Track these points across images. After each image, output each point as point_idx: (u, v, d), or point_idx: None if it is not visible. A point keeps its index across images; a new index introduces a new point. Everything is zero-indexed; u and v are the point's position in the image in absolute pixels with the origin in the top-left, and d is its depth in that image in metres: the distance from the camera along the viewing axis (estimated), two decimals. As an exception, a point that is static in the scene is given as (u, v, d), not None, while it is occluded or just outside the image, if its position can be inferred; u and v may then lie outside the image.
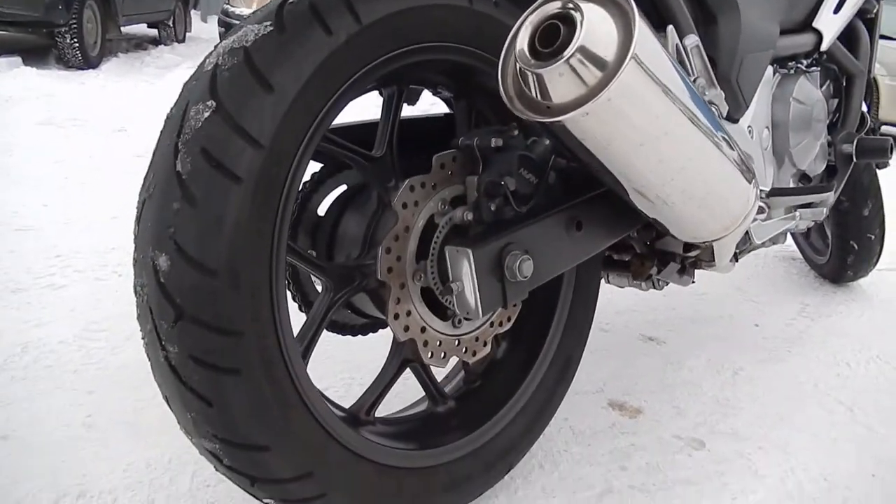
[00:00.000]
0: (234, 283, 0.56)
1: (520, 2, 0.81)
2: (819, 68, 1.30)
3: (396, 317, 0.70)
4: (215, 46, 0.62)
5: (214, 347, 0.56)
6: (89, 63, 4.74)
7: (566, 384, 0.92)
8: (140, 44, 6.45)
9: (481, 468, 0.81)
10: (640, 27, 0.56)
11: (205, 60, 0.61)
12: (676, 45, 0.81)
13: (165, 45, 6.56)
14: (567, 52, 0.54)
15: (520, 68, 0.57)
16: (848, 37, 1.38)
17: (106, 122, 3.11)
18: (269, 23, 0.60)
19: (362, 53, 0.63)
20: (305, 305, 0.81)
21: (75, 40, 4.51)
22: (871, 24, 1.49)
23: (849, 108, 1.40)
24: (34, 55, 4.67)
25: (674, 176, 0.68)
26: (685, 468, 0.97)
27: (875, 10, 1.49)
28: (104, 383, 1.03)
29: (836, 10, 1.26)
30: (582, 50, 0.55)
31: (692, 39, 0.83)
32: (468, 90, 0.80)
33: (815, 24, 1.23)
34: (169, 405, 0.61)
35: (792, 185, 1.22)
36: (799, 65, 1.18)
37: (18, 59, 4.32)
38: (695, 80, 0.80)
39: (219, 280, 0.55)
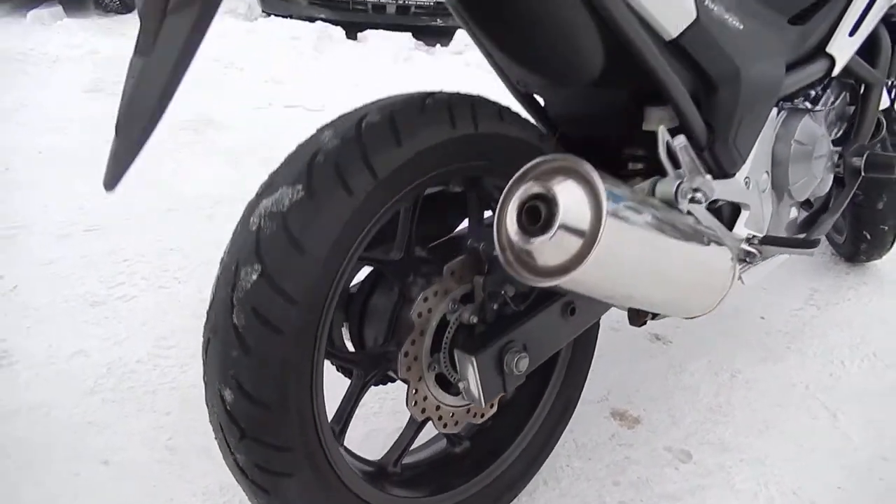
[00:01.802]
0: (283, 412, 0.71)
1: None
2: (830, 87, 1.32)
3: (415, 403, 0.85)
4: (256, 205, 0.74)
5: (271, 459, 0.72)
6: (127, 6, 4.79)
7: (566, 421, 1.07)
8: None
9: (492, 500, 0.98)
10: (607, 195, 0.66)
11: (250, 219, 0.73)
12: (667, 142, 0.89)
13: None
14: (550, 232, 0.65)
15: (507, 235, 0.68)
16: (868, 43, 1.38)
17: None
18: (300, 186, 0.71)
19: (381, 201, 0.75)
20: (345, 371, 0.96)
21: (112, -16, 4.56)
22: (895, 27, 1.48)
23: (863, 119, 1.43)
24: (74, 2, 4.75)
25: (657, 288, 0.79)
26: (671, 482, 1.13)
27: (905, 14, 1.48)
28: (179, 404, 1.22)
29: (852, 33, 1.27)
30: (562, 227, 0.65)
31: (680, 140, 0.90)
32: (478, 185, 0.90)
33: (828, 49, 1.25)
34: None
35: (794, 214, 1.30)
36: (805, 100, 1.22)
37: (60, 9, 4.41)
38: (680, 183, 0.88)
39: (272, 411, 0.71)
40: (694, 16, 0.90)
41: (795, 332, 1.58)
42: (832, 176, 1.37)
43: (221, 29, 4.17)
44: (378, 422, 1.19)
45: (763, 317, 1.63)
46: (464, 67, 4.08)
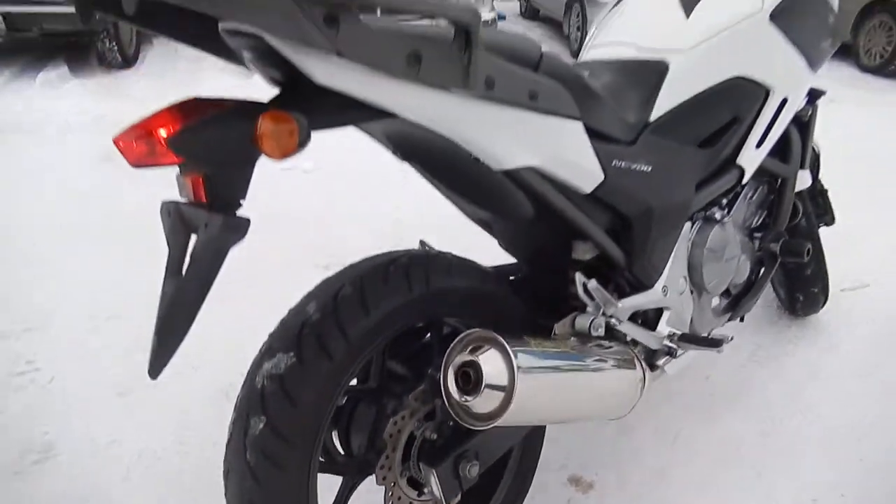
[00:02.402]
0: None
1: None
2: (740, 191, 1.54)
3: (392, 503, 1.07)
4: (260, 366, 0.96)
5: None
6: (127, 61, 5.06)
7: (524, 494, 1.29)
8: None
9: None
10: (516, 355, 0.88)
11: (255, 377, 0.96)
12: (583, 283, 1.12)
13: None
14: (479, 393, 0.87)
15: (447, 389, 0.91)
16: (779, 143, 1.59)
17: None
18: (292, 353, 0.94)
19: (356, 358, 0.97)
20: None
21: (114, 44, 4.82)
22: (805, 127, 1.70)
23: (780, 209, 1.66)
24: (76, 58, 5.02)
25: (574, 411, 1.02)
26: (616, 542, 1.35)
27: (809, 114, 1.71)
28: (203, 486, 1.44)
29: (759, 145, 1.49)
30: (487, 386, 0.88)
31: (592, 283, 1.13)
32: (435, 326, 1.12)
33: (738, 161, 1.46)
34: None
35: (716, 302, 1.52)
36: (715, 211, 1.45)
37: (66, 70, 4.67)
38: (602, 313, 1.11)
39: None
40: (602, 177, 1.12)
41: (736, 391, 1.80)
42: (749, 264, 1.59)
43: (219, 86, 4.42)
44: None
45: (708, 376, 1.85)
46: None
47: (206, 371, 1.82)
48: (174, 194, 0.88)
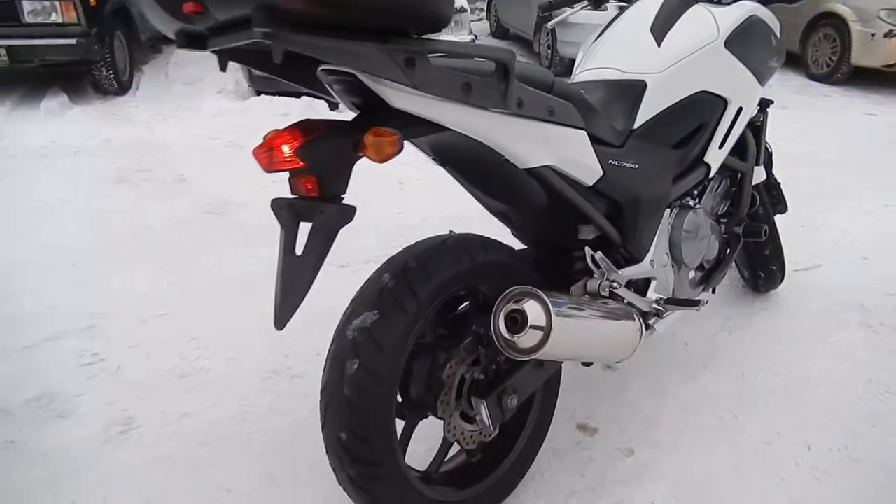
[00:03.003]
0: (376, 443, 1.20)
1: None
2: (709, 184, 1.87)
3: (449, 431, 1.35)
4: (349, 324, 1.23)
5: (371, 472, 1.21)
6: (122, 87, 5.27)
7: (545, 434, 1.57)
8: (154, 45, 6.88)
9: (500, 490, 1.48)
10: (552, 304, 1.17)
11: (346, 332, 1.23)
12: (591, 256, 1.42)
13: (177, 43, 7.01)
14: (524, 332, 1.16)
15: (499, 331, 1.19)
16: (737, 144, 1.93)
17: (165, 169, 3.71)
18: (376, 311, 1.21)
19: (422, 314, 1.25)
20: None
21: (111, 72, 5.04)
22: (758, 130, 2.05)
23: (740, 198, 1.99)
24: (73, 86, 5.21)
25: (592, 350, 1.32)
26: (620, 471, 1.64)
27: (761, 119, 2.05)
28: (269, 447, 1.70)
29: (721, 146, 1.82)
30: (532, 326, 1.16)
31: (599, 254, 1.43)
32: (477, 291, 1.41)
33: (705, 159, 1.79)
34: None
35: (692, 275, 1.84)
36: (691, 198, 1.77)
37: (65, 97, 4.87)
38: (605, 278, 1.41)
39: (370, 443, 1.19)
40: (601, 173, 1.42)
41: (710, 354, 2.12)
42: (717, 244, 1.91)
43: (217, 108, 4.68)
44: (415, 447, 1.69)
45: (686, 343, 2.17)
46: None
47: (254, 356, 2.07)
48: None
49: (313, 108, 4.61)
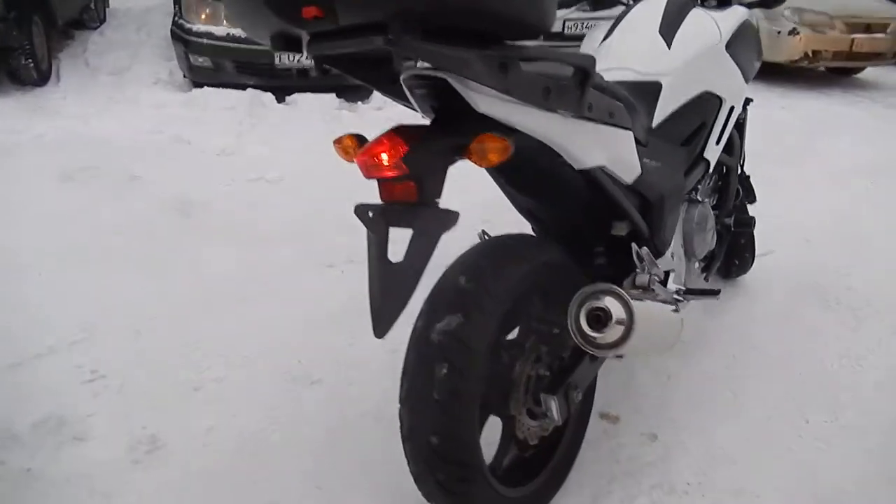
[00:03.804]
0: (466, 443, 1.23)
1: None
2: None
3: (519, 430, 1.40)
4: (431, 327, 1.25)
5: (462, 475, 1.23)
6: (42, 76, 4.89)
7: (586, 427, 1.65)
8: (66, 31, 6.41)
9: (554, 483, 1.54)
10: (635, 305, 1.24)
11: (430, 336, 1.24)
12: (637, 252, 1.50)
13: (91, 27, 6.57)
14: (610, 326, 1.22)
15: (582, 329, 1.25)
16: (726, 142, 2.08)
17: (114, 166, 3.49)
18: (460, 314, 1.23)
19: (498, 316, 1.28)
20: None
21: (30, 60, 4.65)
22: (741, 127, 2.20)
23: (727, 191, 2.14)
24: (-15, 76, 4.78)
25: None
26: (650, 454, 1.74)
27: (744, 117, 2.21)
28: (309, 456, 1.68)
29: (718, 142, 1.96)
30: (617, 321, 1.22)
31: (644, 250, 1.51)
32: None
33: (704, 155, 1.91)
34: None
35: (696, 266, 1.97)
36: (696, 194, 1.89)
37: (-20, 89, 4.46)
38: (647, 271, 1.50)
39: (460, 443, 1.22)
40: (640, 171, 1.51)
41: (701, 339, 2.26)
42: (716, 234, 2.06)
43: (156, 100, 4.45)
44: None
45: (679, 329, 2.31)
46: (387, 122, 4.58)
47: (267, 361, 2.03)
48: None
49: (259, 101, 4.46)
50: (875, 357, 2.22)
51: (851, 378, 2.10)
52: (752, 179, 2.43)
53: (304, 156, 3.95)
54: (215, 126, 4.15)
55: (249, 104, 4.39)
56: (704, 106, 1.85)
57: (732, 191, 2.15)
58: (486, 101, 1.11)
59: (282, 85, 4.63)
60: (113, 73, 5.12)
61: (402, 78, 1.18)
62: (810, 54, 6.57)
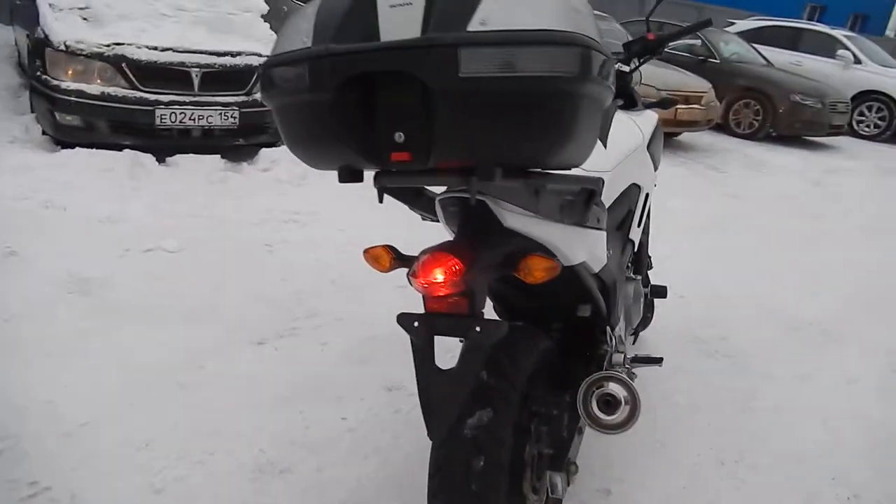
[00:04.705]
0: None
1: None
2: None
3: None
4: (462, 423, 1.34)
5: None
6: None
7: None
8: None
9: None
10: (635, 387, 1.43)
11: (462, 431, 1.33)
12: (610, 334, 1.70)
13: None
14: (620, 409, 1.39)
15: (594, 415, 1.41)
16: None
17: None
18: (489, 408, 1.34)
19: (520, 406, 1.40)
20: None
21: None
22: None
23: (642, 264, 2.46)
24: None
25: None
26: (609, 510, 1.94)
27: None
28: None
29: (639, 224, 2.26)
30: (626, 403, 1.40)
31: (617, 331, 1.72)
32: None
33: (630, 237, 2.20)
34: None
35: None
36: (629, 273, 2.16)
37: None
38: (618, 350, 1.71)
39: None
40: (604, 261, 1.73)
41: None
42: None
43: (18, 162, 4.04)
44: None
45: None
46: (275, 183, 4.57)
47: (227, 455, 1.96)
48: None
49: (139, 162, 4.22)
50: (759, 400, 2.62)
51: (744, 420, 2.46)
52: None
53: (196, 221, 3.82)
54: (92, 191, 3.84)
55: (129, 166, 4.12)
56: (631, 195, 2.14)
57: (645, 262, 2.47)
58: (513, 218, 1.28)
59: (162, 146, 4.42)
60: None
61: (438, 199, 1.30)
62: (644, 121, 7.49)
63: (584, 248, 1.54)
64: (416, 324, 1.26)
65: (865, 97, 10.53)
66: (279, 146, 4.92)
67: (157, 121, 4.30)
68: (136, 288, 2.93)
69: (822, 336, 3.28)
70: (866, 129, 10.64)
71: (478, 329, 1.22)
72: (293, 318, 2.86)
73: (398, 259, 1.35)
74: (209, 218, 3.88)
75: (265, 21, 5.26)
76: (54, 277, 2.90)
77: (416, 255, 1.30)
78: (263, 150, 4.77)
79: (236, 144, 4.73)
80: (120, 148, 4.24)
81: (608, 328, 1.72)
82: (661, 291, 2.42)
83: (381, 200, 1.20)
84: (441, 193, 1.31)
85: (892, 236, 5.14)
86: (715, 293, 3.60)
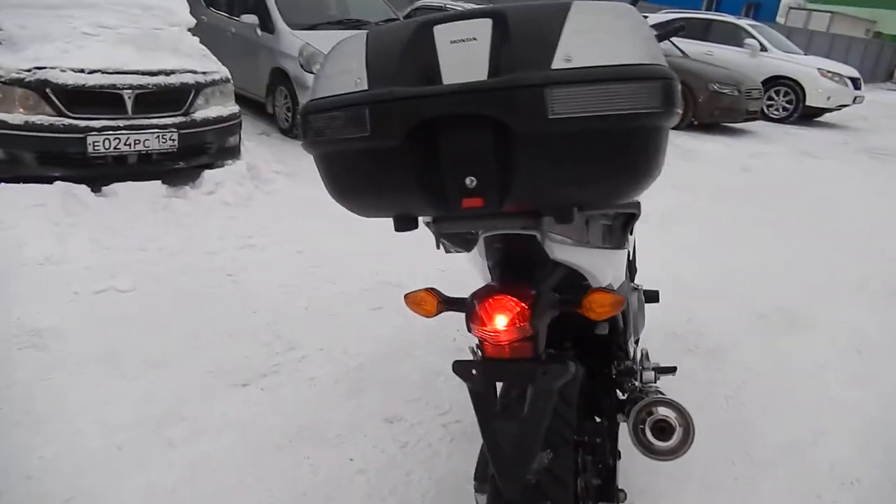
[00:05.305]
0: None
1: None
2: None
3: None
4: (525, 467, 1.28)
5: None
6: None
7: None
8: None
9: None
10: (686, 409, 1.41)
11: (525, 476, 1.27)
12: (642, 352, 1.68)
13: None
14: (674, 434, 1.36)
15: (648, 442, 1.37)
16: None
17: None
18: (549, 451, 1.29)
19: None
20: None
21: None
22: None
23: (633, 272, 2.47)
24: None
25: None
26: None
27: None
28: None
29: (631, 233, 2.25)
30: (681, 428, 1.37)
31: (644, 349, 1.70)
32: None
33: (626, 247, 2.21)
34: None
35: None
36: (631, 282, 2.16)
37: None
38: (647, 368, 1.69)
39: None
40: (623, 279, 1.71)
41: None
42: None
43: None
44: None
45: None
46: (223, 206, 4.35)
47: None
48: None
49: (72, 194, 3.91)
50: (746, 392, 2.68)
51: (739, 415, 2.52)
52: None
53: (145, 255, 3.59)
54: (24, 230, 3.52)
55: (62, 200, 3.81)
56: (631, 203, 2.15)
57: (635, 268, 2.48)
58: (560, 249, 1.23)
59: (97, 175, 4.12)
60: None
61: (484, 236, 1.23)
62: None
63: (612, 268, 1.52)
64: (474, 371, 1.18)
65: (773, 82, 11.12)
66: (221, 166, 4.70)
67: (90, 148, 4.00)
68: (94, 335, 2.70)
69: (786, 322, 3.40)
70: (776, 112, 11.24)
71: (544, 373, 1.16)
72: (273, 354, 2.71)
73: (444, 303, 1.27)
74: (160, 250, 3.64)
75: (193, 35, 5.00)
76: (16, 333, 2.64)
77: (462, 296, 1.23)
78: (206, 172, 4.53)
79: (176, 168, 4.46)
80: (50, 181, 3.91)
81: (629, 344, 1.70)
82: (653, 296, 2.43)
83: (438, 247, 1.12)
84: (490, 231, 1.24)
85: (831, 220, 5.42)
86: (682, 286, 3.67)
